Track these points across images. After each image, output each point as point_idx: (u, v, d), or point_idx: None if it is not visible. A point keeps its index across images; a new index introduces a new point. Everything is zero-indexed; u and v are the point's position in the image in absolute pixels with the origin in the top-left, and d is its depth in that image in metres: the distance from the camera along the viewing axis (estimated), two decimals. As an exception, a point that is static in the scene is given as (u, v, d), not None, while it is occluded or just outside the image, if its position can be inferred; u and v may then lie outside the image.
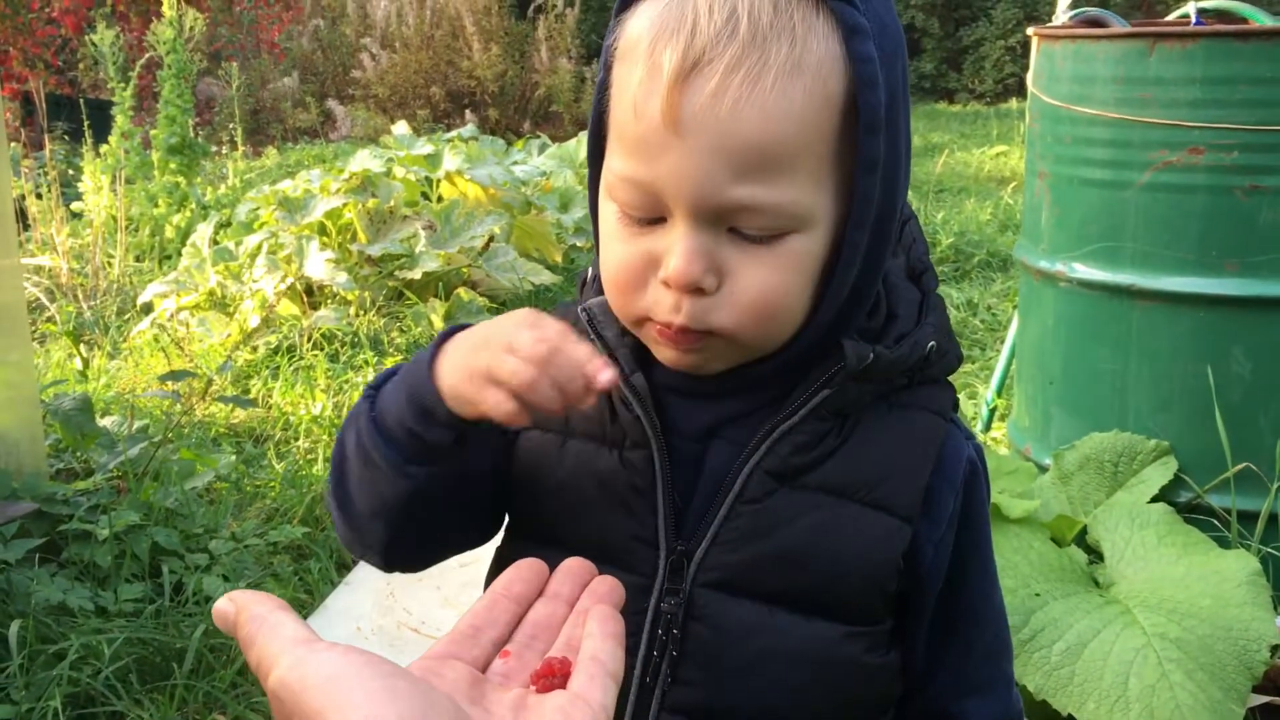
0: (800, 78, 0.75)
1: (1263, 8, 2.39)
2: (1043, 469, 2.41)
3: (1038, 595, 1.91)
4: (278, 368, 4.16)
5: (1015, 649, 1.85)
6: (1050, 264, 2.37)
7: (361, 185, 5.02)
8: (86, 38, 8.22)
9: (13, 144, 7.23)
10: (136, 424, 3.28)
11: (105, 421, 3.28)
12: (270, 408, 3.86)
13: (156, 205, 6.14)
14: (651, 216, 0.80)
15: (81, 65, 10.82)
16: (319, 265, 4.58)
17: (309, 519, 2.97)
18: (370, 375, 4.08)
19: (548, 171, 6.17)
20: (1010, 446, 2.69)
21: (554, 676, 0.64)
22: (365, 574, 2.73)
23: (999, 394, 3.09)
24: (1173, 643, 1.77)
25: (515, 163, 6.09)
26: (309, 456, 3.43)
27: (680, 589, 0.86)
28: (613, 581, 0.72)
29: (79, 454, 3.04)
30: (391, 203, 5.03)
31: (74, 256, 5.56)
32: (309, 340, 4.41)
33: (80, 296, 5.22)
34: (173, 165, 6.31)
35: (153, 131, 6.44)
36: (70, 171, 6.95)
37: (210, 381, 3.36)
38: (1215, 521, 2.19)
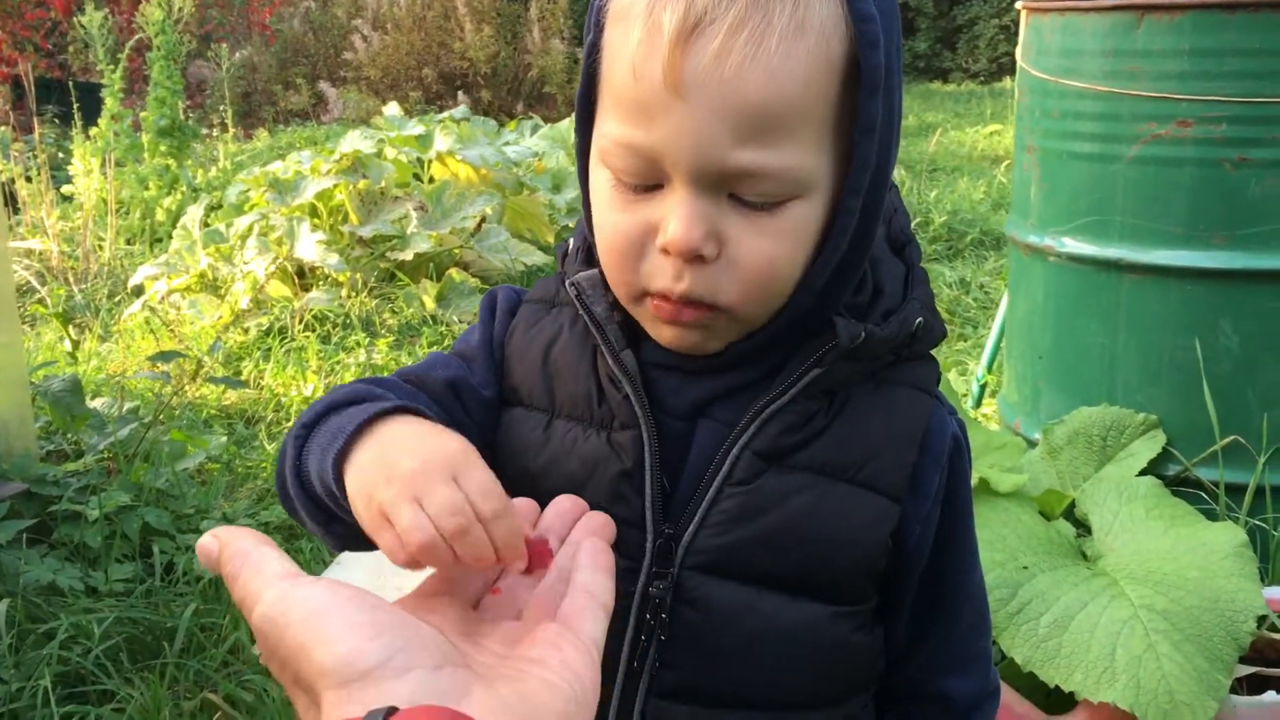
0: (804, 38, 0.73)
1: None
2: (1032, 444, 2.41)
3: (1025, 568, 1.91)
4: (269, 349, 4.16)
5: (1003, 622, 1.85)
6: (1039, 238, 2.37)
7: (352, 166, 5.01)
8: (75, 20, 8.17)
9: (2, 128, 7.19)
10: (127, 405, 3.27)
11: (96, 403, 3.27)
12: (262, 389, 3.86)
13: (147, 188, 6.12)
14: (648, 183, 0.77)
15: (71, 48, 10.77)
16: (310, 247, 4.57)
17: (300, 499, 2.97)
18: (361, 356, 4.08)
19: (540, 152, 6.15)
20: (1000, 422, 2.69)
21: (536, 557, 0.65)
22: (357, 554, 2.73)
23: (989, 370, 3.09)
24: (1160, 614, 1.78)
25: (507, 143, 6.07)
26: (300, 437, 3.43)
27: (668, 572, 0.84)
28: (604, 517, 0.71)
29: (69, 435, 3.04)
30: (383, 184, 5.02)
31: (64, 239, 5.55)
32: (300, 322, 4.40)
33: (71, 279, 5.20)
34: (163, 148, 6.29)
35: (142, 114, 6.42)
36: (60, 155, 6.92)
37: (200, 363, 3.35)
38: (1203, 494, 2.19)
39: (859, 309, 0.85)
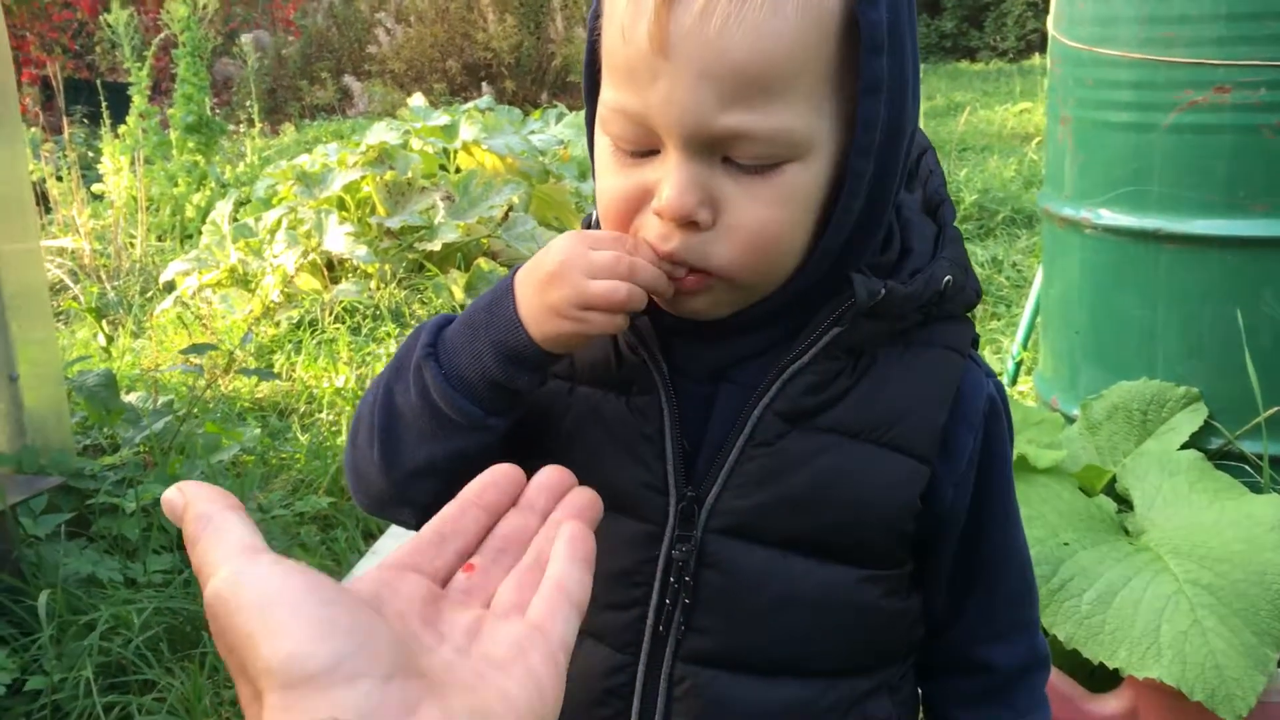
0: None
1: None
2: (1070, 420, 2.38)
3: (1066, 545, 1.89)
4: (300, 342, 4.17)
5: (1045, 599, 1.83)
6: (1075, 211, 2.33)
7: (379, 158, 5.01)
8: (102, 19, 8.22)
9: (32, 129, 7.26)
10: (161, 399, 3.29)
11: (130, 398, 3.30)
12: (294, 381, 3.87)
13: (176, 184, 6.16)
14: (644, 148, 0.77)
15: (99, 48, 10.85)
16: (338, 239, 4.58)
17: (334, 489, 2.98)
18: (392, 347, 4.09)
19: (565, 140, 6.14)
20: (1037, 399, 2.66)
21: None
22: (391, 542, 2.74)
23: (1024, 347, 3.06)
24: (1205, 589, 1.75)
25: (532, 132, 6.06)
26: (333, 428, 3.44)
27: (691, 536, 0.83)
28: (591, 494, 0.68)
29: (105, 430, 3.06)
30: (409, 175, 5.02)
31: (96, 237, 5.59)
32: (330, 314, 4.41)
33: (104, 277, 5.25)
34: (190, 144, 6.32)
35: (170, 111, 6.45)
36: (90, 154, 6.98)
37: (232, 355, 3.36)
38: (1247, 467, 2.15)
39: (885, 268, 0.83)
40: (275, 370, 3.91)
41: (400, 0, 11.93)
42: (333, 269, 4.81)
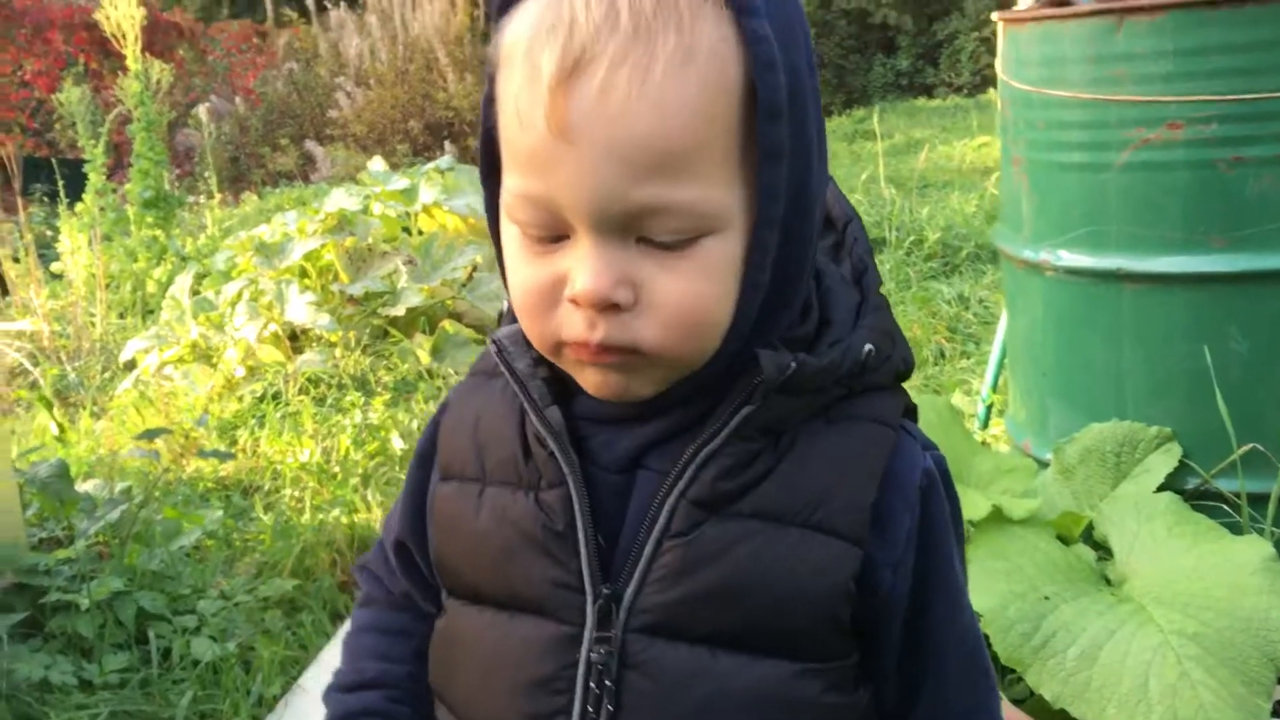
0: (692, 65, 0.69)
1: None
2: (1044, 464, 2.34)
3: (1047, 599, 1.84)
4: (264, 416, 4.10)
5: (1028, 657, 1.77)
6: (1034, 253, 2.31)
7: (339, 225, 4.97)
8: (55, 97, 8.19)
9: (-11, 210, 7.19)
10: (119, 486, 3.21)
11: (88, 485, 3.21)
12: (258, 457, 3.79)
13: (136, 260, 6.09)
14: (554, 234, 0.73)
15: (58, 125, 10.81)
16: (300, 309, 4.53)
17: (299, 570, 2.90)
18: (357, 417, 4.02)
19: (527, 197, 6.11)
20: (1009, 442, 2.62)
21: None
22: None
23: (994, 389, 3.02)
24: (1190, 639, 1.70)
25: (494, 190, 6.03)
26: (297, 505, 3.36)
27: (611, 636, 0.79)
28: None
29: (61, 521, 2.97)
30: (370, 240, 4.98)
31: (55, 318, 5.51)
32: (294, 385, 4.34)
33: (64, 358, 5.16)
34: (149, 219, 6.27)
35: (127, 186, 6.40)
36: (49, 233, 6.91)
37: (188, 436, 3.29)
38: (1225, 506, 2.12)
39: (803, 341, 0.80)
40: (239, 446, 3.83)
41: (359, 64, 11.95)
42: (295, 339, 4.74)
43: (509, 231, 0.77)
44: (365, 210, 5.20)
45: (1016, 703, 1.90)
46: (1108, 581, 1.96)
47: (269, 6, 14.09)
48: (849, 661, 0.82)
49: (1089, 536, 2.11)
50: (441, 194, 5.37)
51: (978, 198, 6.84)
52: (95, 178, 6.26)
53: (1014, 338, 2.55)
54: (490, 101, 0.76)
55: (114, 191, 6.46)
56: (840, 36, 15.09)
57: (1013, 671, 1.79)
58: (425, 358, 4.58)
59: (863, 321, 0.82)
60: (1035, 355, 2.42)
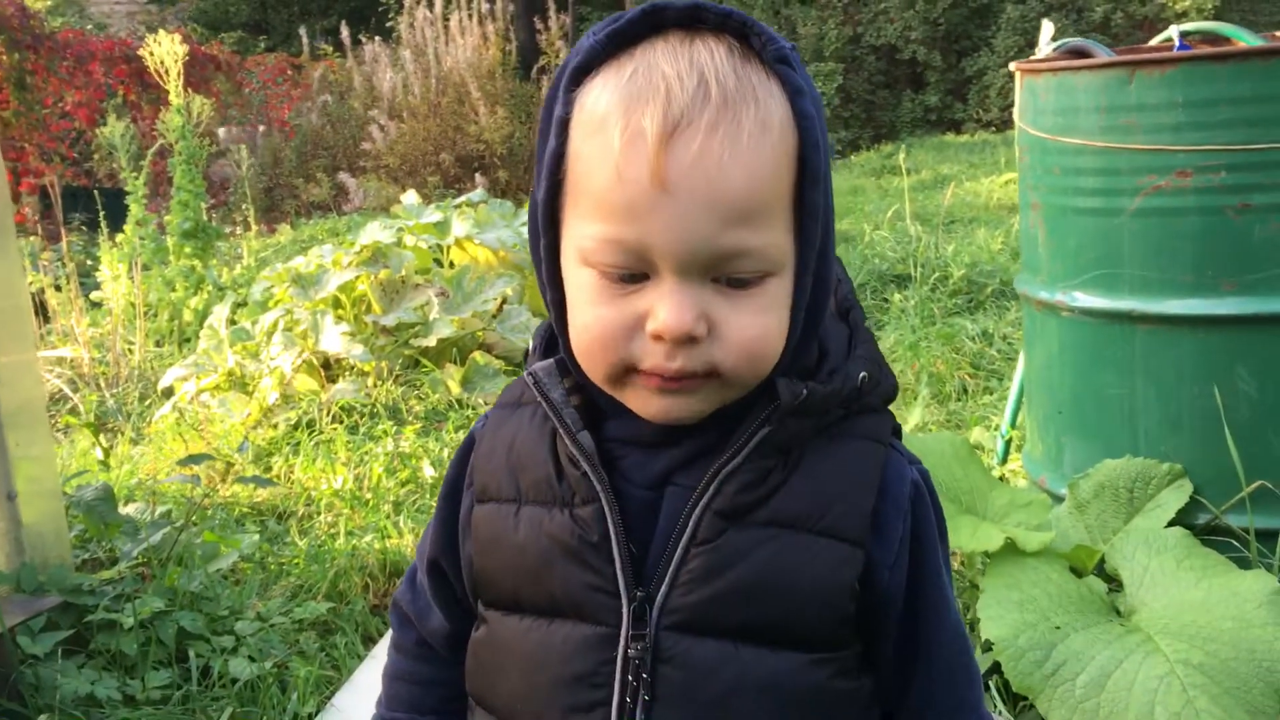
0: (768, 134, 0.82)
1: (1248, 23, 2.40)
2: (1058, 499, 2.40)
3: (1058, 628, 1.90)
4: (298, 443, 4.20)
5: (1039, 684, 1.83)
6: (1050, 294, 2.38)
7: (373, 257, 5.08)
8: (98, 130, 8.38)
9: (32, 238, 7.36)
10: (159, 509, 3.31)
11: (129, 509, 3.31)
12: (292, 484, 3.88)
13: (174, 289, 6.23)
14: (635, 273, 0.84)
15: (97, 156, 11.02)
16: (334, 339, 4.63)
17: (333, 594, 2.98)
18: (389, 445, 4.11)
19: (556, 230, 6.21)
20: (1026, 477, 2.68)
21: None
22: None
23: (1013, 425, 3.08)
24: (1196, 669, 1.76)
25: (523, 224, 6.15)
26: (331, 531, 3.45)
27: (645, 634, 0.89)
28: None
29: (104, 543, 3.07)
30: (403, 272, 5.09)
31: (95, 346, 5.64)
32: (328, 414, 4.44)
33: (103, 385, 5.28)
34: (187, 249, 6.41)
35: (166, 217, 6.55)
36: (89, 261, 7.07)
37: (229, 463, 3.38)
38: (1234, 542, 2.17)
39: (806, 370, 0.91)
40: (273, 473, 3.93)
41: (393, 97, 12.14)
42: (329, 368, 4.85)
43: (582, 275, 0.87)
44: (399, 243, 5.32)
45: (1028, 730, 1.95)
46: (1118, 613, 2.01)
47: (304, 40, 14.32)
48: (854, 650, 0.93)
49: (1101, 569, 2.17)
50: (474, 228, 5.48)
51: (1003, 234, 6.88)
52: (136, 208, 6.41)
53: (1031, 376, 2.62)
54: (559, 160, 0.86)
55: (154, 223, 6.61)
56: (869, 72, 15.20)
57: (1024, 698, 1.85)
58: (455, 388, 4.67)
59: (855, 352, 0.94)
60: (1051, 393, 2.48)
